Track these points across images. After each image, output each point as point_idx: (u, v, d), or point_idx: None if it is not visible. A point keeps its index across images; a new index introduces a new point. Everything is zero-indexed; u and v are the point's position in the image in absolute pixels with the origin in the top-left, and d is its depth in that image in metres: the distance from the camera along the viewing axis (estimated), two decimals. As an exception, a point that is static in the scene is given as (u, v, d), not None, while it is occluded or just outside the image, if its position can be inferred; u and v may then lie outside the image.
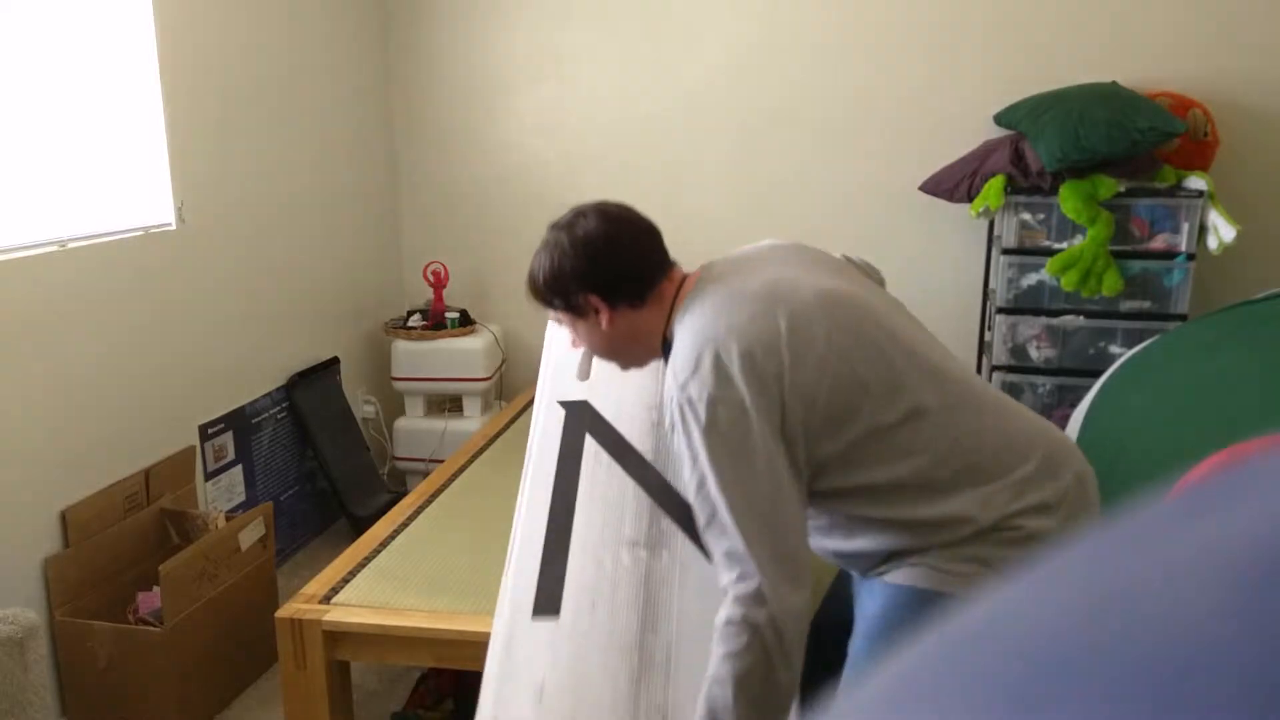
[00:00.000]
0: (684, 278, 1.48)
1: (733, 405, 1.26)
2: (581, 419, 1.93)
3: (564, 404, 1.96)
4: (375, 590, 2.05)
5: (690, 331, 1.34)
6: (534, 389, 3.50)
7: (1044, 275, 3.06)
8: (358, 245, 3.57)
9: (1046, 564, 0.24)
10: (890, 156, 3.42)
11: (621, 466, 1.80)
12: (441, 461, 3.19)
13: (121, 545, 2.37)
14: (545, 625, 1.54)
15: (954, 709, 0.21)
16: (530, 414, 2.10)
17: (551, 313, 1.50)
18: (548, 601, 1.57)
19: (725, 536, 1.25)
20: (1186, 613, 0.20)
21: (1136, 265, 3.02)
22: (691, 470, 1.28)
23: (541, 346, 2.13)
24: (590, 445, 1.86)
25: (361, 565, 2.16)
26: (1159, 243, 3.02)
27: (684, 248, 3.64)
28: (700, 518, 1.29)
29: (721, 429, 1.25)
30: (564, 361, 1.96)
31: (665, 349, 1.44)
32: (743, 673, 1.22)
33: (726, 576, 1.25)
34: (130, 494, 2.43)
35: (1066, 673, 0.20)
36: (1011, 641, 0.22)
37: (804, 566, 1.25)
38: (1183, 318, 3.01)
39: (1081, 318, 3.08)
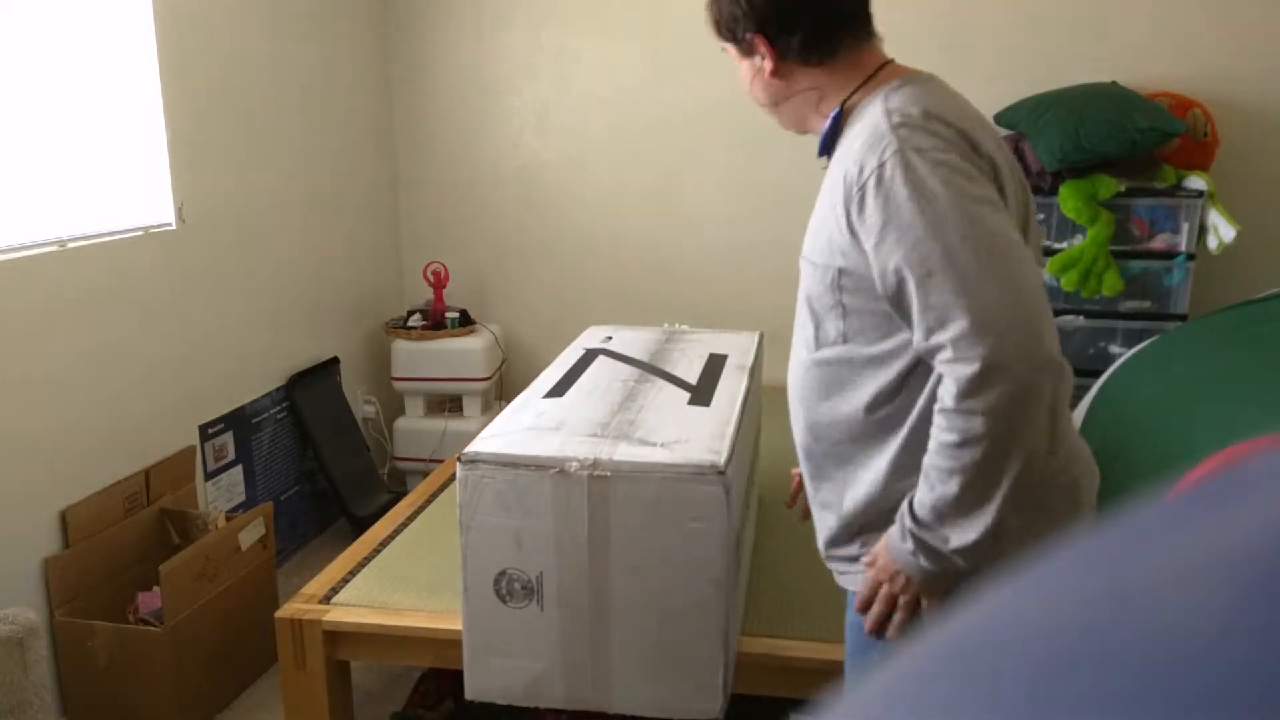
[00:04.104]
0: (891, 62, 1.31)
1: (962, 160, 1.14)
2: (596, 351, 2.24)
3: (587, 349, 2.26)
4: (375, 590, 2.05)
5: (912, 98, 1.20)
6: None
7: (1044, 275, 3.06)
8: (358, 245, 3.57)
9: (1048, 564, 0.24)
10: (890, 156, 3.41)
11: (635, 367, 2.15)
12: (441, 461, 3.19)
13: (121, 545, 2.37)
14: (551, 399, 1.92)
15: (957, 711, 0.21)
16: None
17: (720, 44, 1.37)
18: (556, 391, 1.97)
19: (941, 301, 1.08)
20: (1188, 612, 0.20)
21: (1136, 265, 3.02)
22: (901, 230, 1.12)
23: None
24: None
25: (361, 565, 2.16)
26: (1159, 243, 3.02)
27: (683, 248, 3.64)
28: (903, 296, 1.13)
29: (948, 175, 1.12)
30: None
31: (835, 126, 1.30)
32: (966, 464, 1.08)
33: (943, 355, 1.09)
34: (130, 494, 2.43)
35: (1070, 674, 0.20)
36: (1014, 643, 0.22)
37: (1049, 325, 1.08)
38: (1183, 318, 3.01)
39: (1081, 318, 3.08)
